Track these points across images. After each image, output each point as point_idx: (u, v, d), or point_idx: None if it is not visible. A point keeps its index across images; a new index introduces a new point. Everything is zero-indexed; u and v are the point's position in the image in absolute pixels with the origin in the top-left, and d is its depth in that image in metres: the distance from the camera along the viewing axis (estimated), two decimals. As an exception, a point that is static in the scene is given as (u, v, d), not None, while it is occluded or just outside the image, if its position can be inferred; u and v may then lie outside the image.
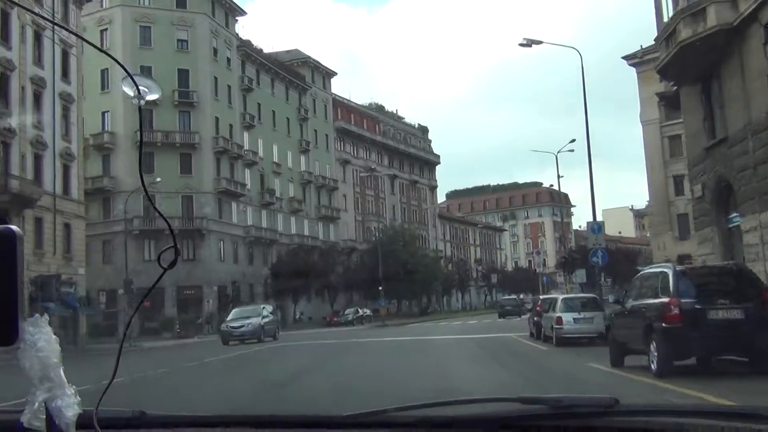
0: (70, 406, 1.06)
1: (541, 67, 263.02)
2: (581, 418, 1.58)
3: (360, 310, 69.49)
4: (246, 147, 67.97)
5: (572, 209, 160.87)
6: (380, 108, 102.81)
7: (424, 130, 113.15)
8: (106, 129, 60.23)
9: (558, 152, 46.54)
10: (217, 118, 63.85)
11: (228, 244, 64.24)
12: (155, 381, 14.60)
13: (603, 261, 23.59)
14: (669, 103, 68.80)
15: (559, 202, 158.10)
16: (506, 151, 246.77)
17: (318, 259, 69.06)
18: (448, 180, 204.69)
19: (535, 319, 23.70)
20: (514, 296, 56.60)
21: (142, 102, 1.28)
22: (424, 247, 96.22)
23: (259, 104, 71.88)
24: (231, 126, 66.13)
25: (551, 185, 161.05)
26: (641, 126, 70.75)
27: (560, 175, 46.09)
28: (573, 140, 50.05)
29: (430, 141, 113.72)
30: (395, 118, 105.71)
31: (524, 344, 22.40)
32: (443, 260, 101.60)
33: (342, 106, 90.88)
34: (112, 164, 59.89)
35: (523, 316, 49.35)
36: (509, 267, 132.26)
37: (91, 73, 60.28)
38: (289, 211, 75.14)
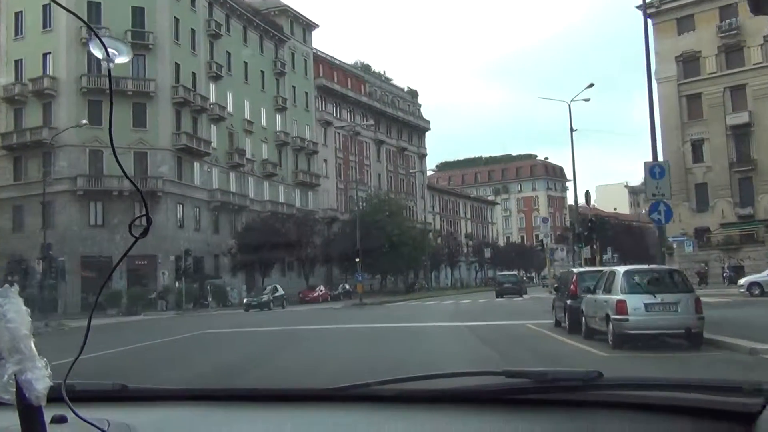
0: (40, 378, 1.04)
1: (543, 33, 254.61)
2: (565, 392, 1.60)
3: (322, 288, 61.67)
4: (212, 100, 60.17)
5: (567, 183, 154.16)
6: (366, 67, 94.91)
7: (413, 93, 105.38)
8: (47, 73, 52.30)
9: (572, 101, 38.99)
10: (177, 65, 55.93)
11: (189, 208, 56.62)
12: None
13: (667, 218, 16.23)
14: (688, 60, 62.05)
15: (554, 175, 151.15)
16: (499, 121, 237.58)
17: (293, 228, 61.45)
18: (437, 152, 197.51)
19: (568, 302, 16.33)
20: (513, 272, 49.43)
21: (111, 65, 1.21)
22: (412, 219, 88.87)
23: (228, 53, 63.96)
24: (194, 75, 58.26)
25: (546, 158, 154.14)
26: (656, 83, 63.43)
27: (573, 128, 38.62)
28: (591, 85, 42.34)
29: (419, 105, 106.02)
30: (383, 79, 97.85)
31: (554, 341, 15.13)
32: (432, 233, 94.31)
33: (324, 62, 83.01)
34: (53, 113, 52.08)
35: (525, 296, 42.26)
36: (501, 242, 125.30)
37: (30, 9, 52.41)
38: (261, 175, 67.54)
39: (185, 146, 54.69)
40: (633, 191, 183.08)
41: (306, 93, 77.13)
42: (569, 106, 38.85)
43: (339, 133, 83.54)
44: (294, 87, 75.05)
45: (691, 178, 59.54)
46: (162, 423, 1.64)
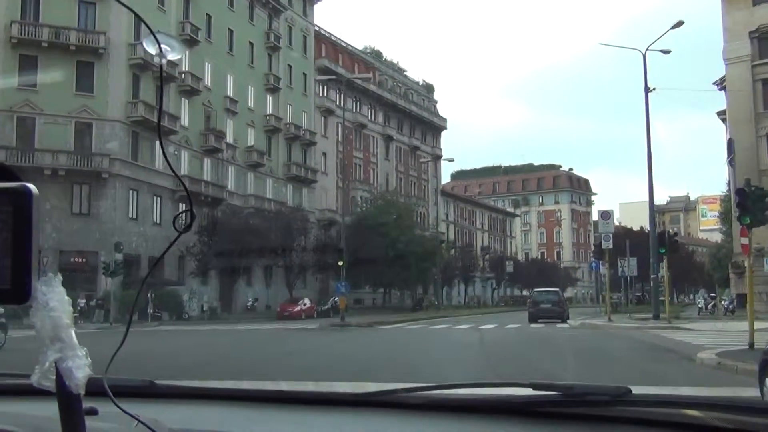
0: (80, 367, 1.04)
1: (573, 36, 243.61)
2: (593, 406, 1.59)
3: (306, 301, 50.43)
4: (184, 68, 49.65)
5: (593, 197, 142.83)
6: (377, 54, 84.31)
7: (429, 88, 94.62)
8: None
9: (647, 50, 28.09)
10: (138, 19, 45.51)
11: (146, 196, 45.99)
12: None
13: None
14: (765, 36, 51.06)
15: (579, 188, 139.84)
16: (521, 130, 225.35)
17: (279, 228, 50.61)
18: (453, 156, 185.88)
19: None
20: (554, 289, 38.39)
21: (164, 61, 1.19)
22: (423, 226, 77.96)
23: (208, 16, 53.50)
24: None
25: (570, 169, 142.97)
26: (724, 65, 52.42)
27: (650, 88, 27.64)
28: (680, 23, 31.18)
29: (435, 102, 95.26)
30: (395, 68, 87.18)
31: None
32: (445, 244, 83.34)
33: (327, 42, 72.52)
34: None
35: (570, 322, 31.20)
36: (520, 258, 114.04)
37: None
38: (245, 164, 56.91)
39: (143, 119, 44.02)
40: (658, 210, 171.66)
41: (304, 74, 66.60)
42: (644, 55, 27.93)
43: (342, 124, 72.78)
44: (290, 66, 64.54)
45: (766, 181, 48.35)
46: (190, 420, 1.64)
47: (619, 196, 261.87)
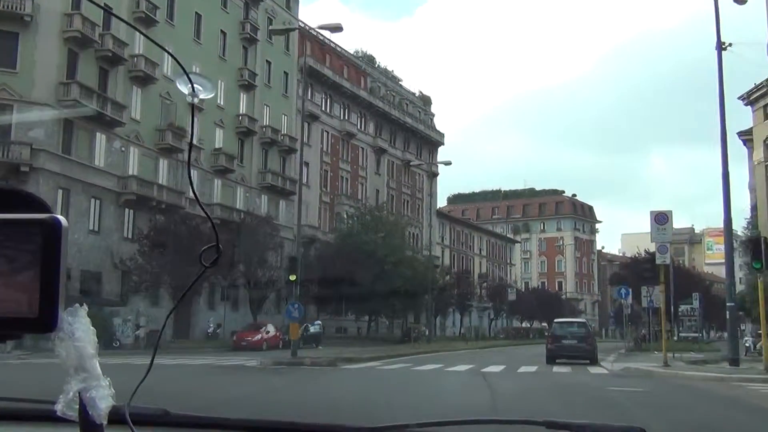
0: (104, 397, 1.06)
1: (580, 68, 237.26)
2: None
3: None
4: (138, 51, 42.26)
5: (597, 225, 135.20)
6: (370, 59, 77.16)
7: (426, 100, 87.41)
8: None
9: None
10: (76, -14, 38.23)
11: (81, 198, 38.32)
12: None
13: None
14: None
15: (583, 215, 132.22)
16: (522, 153, 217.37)
17: (246, 241, 42.89)
18: (448, 182, 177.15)
19: None
20: (579, 320, 30.71)
21: (197, 100, 1.21)
22: (416, 248, 70.33)
23: (171, -5, 46.39)
24: (108, 6, 40.29)
25: (574, 195, 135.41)
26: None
27: (724, 44, 20.28)
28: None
29: (432, 115, 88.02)
30: (389, 76, 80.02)
31: None
32: (439, 269, 75.62)
33: (314, 41, 65.27)
34: None
35: (606, 364, 23.42)
36: (520, 287, 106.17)
37: None
38: (210, 169, 49.39)
39: (77, 103, 36.50)
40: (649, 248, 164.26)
41: (285, 73, 59.34)
42: (715, 2, 20.52)
43: (328, 132, 65.52)
44: (269, 62, 57.30)
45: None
46: None
47: (623, 227, 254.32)
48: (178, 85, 1.21)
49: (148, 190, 42.28)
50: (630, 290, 40.24)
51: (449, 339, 62.94)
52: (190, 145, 1.53)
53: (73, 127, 37.24)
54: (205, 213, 1.56)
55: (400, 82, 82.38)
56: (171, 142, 44.58)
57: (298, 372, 19.05)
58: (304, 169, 61.24)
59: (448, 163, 48.29)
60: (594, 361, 23.71)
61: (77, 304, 1.04)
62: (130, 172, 41.61)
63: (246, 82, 53.48)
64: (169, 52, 1.33)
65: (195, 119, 1.51)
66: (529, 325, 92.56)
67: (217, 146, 50.07)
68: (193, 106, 1.24)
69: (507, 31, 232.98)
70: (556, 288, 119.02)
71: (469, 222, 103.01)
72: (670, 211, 20.08)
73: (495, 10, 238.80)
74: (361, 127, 70.69)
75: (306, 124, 61.64)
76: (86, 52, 38.21)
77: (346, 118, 68.13)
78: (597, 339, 28.66)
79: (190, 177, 1.70)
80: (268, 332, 39.61)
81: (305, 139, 61.40)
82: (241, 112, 53.14)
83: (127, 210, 41.30)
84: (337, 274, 46.18)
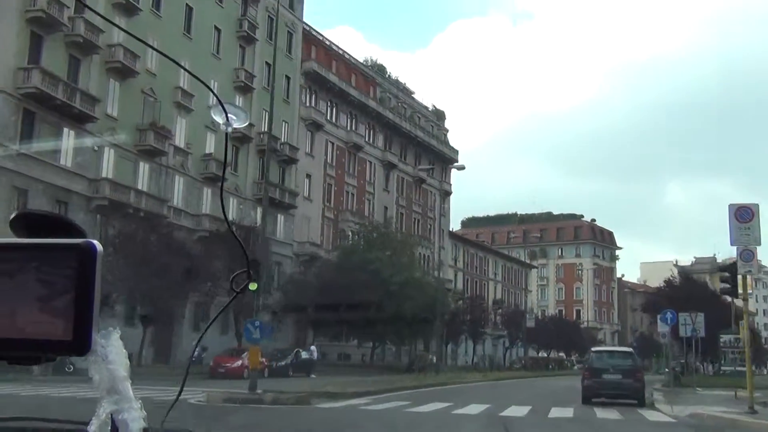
0: (136, 419, 1.08)
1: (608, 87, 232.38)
2: None
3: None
4: (116, 40, 37.82)
5: (617, 252, 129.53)
6: (380, 69, 72.70)
7: (439, 114, 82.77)
8: None
9: None
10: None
11: (40, 200, 33.51)
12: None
13: None
14: None
15: (603, 240, 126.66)
16: (536, 175, 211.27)
17: (229, 253, 38.05)
18: (463, 202, 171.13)
19: None
20: (625, 349, 25.44)
21: (230, 129, 1.26)
22: (426, 270, 65.26)
23: (158, -17, 42.07)
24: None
25: (593, 219, 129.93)
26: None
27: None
28: None
29: (446, 131, 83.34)
30: (400, 88, 75.49)
31: None
32: (452, 293, 70.50)
33: (319, 45, 61.02)
34: None
35: (663, 408, 18.22)
36: (537, 314, 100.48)
37: None
38: (200, 177, 44.80)
39: (38, 92, 32.02)
40: (683, 272, 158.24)
41: (287, 77, 54.80)
42: None
43: (333, 143, 60.90)
44: (268, 64, 52.68)
45: None
46: None
47: (642, 255, 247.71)
48: (212, 114, 1.23)
49: (125, 195, 37.64)
50: (676, 315, 34.96)
51: (460, 369, 57.64)
52: (224, 171, 1.81)
53: (35, 119, 32.71)
54: (237, 239, 1.54)
55: (413, 95, 77.85)
56: (153, 144, 40.04)
57: (244, 413, 13.93)
58: (306, 182, 56.81)
59: (461, 168, 43.23)
60: (642, 402, 18.60)
61: (110, 328, 1.05)
62: (103, 174, 36.98)
63: (242, 84, 49.07)
64: (151, 46, 1.22)
65: (228, 147, 1.55)
66: (546, 355, 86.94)
67: (207, 151, 45.48)
68: (227, 135, 1.25)
69: (520, 53, 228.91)
70: (574, 316, 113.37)
71: (484, 245, 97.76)
72: (756, 205, 14.98)
73: (504, 34, 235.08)
74: (369, 139, 66.05)
75: (309, 133, 57.22)
76: (53, 36, 33.80)
77: (353, 128, 63.52)
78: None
79: (222, 203, 1.72)
80: (250, 358, 34.49)
81: (308, 150, 56.99)
82: (236, 116, 48.59)
83: (98, 216, 36.60)
84: (337, 294, 41.45)
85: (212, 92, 1.30)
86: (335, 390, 19.73)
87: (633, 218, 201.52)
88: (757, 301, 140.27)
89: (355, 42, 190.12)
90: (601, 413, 15.89)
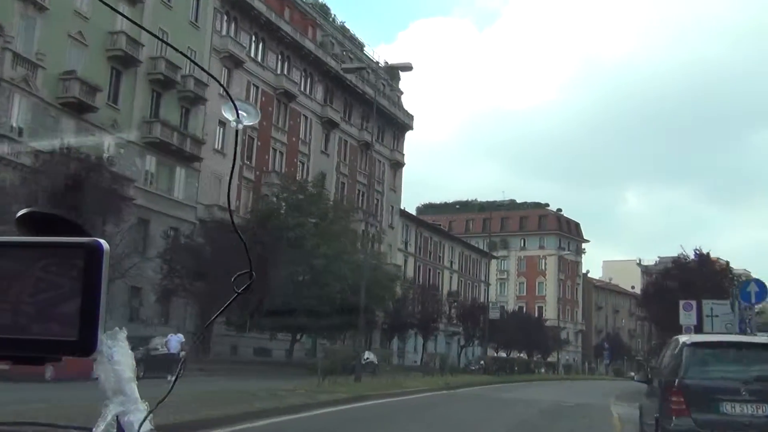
0: (141, 420, 1.07)
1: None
2: None
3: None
4: None
5: (584, 245, 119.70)
6: (323, 10, 61.11)
7: (392, 73, 71.29)
8: None
9: None
10: None
11: None
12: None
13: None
14: None
15: (569, 232, 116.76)
16: (500, 171, 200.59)
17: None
18: (415, 192, 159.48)
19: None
20: (762, 339, 15.16)
21: (240, 126, 1.24)
22: (372, 252, 53.81)
23: None
24: None
25: (559, 209, 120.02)
26: None
27: None
28: None
29: (400, 93, 72.05)
30: (347, 36, 63.99)
31: None
32: (400, 281, 59.32)
33: (244, -37, 49.16)
34: None
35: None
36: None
37: None
38: (56, 101, 32.84)
39: None
40: (647, 271, 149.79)
41: (196, -5, 43.05)
42: None
43: (258, 87, 49.17)
44: (170, -28, 41.05)
45: None
46: None
47: (604, 254, 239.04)
48: (223, 112, 1.18)
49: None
50: (698, 304, 24.09)
51: (407, 370, 46.28)
52: (232, 169, 1.59)
53: None
54: (240, 238, 1.40)
55: (363, 48, 66.40)
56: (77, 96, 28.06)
57: None
58: (219, 131, 45.08)
59: (408, 68, 31.21)
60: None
61: (116, 328, 1.04)
62: None
63: (127, -10, 37.15)
64: (212, 76, 1.76)
65: (237, 146, 1.52)
66: (505, 355, 76.24)
67: (68, 69, 33.49)
68: (237, 132, 1.22)
69: (483, 52, 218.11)
70: (536, 313, 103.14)
71: (440, 228, 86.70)
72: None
73: (468, 34, 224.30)
74: (304, 88, 54.45)
75: (225, 69, 45.56)
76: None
77: (284, 72, 51.83)
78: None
79: (228, 199, 1.39)
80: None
81: (220, 90, 45.17)
82: (118, 28, 36.67)
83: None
84: (239, 268, 29.73)
85: (220, 84, 1.28)
86: (186, 420, 8.46)
87: (596, 220, 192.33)
88: None
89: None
90: None
